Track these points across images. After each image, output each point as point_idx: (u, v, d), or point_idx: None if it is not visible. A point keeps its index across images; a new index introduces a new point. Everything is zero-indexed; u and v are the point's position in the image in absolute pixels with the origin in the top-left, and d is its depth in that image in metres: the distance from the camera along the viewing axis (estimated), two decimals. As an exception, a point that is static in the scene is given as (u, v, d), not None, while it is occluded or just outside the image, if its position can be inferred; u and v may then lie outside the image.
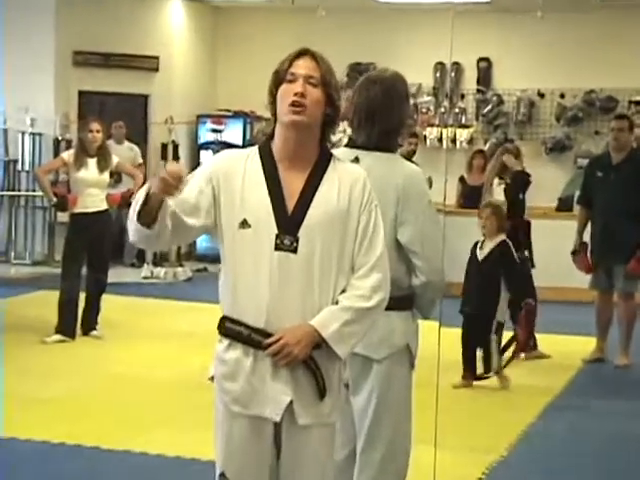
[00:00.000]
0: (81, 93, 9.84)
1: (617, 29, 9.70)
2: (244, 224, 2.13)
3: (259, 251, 2.13)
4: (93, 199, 6.20)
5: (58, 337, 6.16)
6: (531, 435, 4.48)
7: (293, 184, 2.15)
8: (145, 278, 9.09)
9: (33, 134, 9.50)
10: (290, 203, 2.14)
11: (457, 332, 5.24)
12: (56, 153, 8.91)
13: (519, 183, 6.27)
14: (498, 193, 6.32)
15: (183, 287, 8.86)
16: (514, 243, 5.55)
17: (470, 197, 8.06)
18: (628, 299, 6.03)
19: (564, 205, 8.90)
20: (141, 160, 9.48)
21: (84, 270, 6.33)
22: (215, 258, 2.28)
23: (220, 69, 10.98)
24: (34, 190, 9.17)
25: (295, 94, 2.12)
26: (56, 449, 4.05)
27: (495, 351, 5.22)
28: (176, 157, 10.21)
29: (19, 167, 9.60)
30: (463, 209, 8.28)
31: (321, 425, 2.17)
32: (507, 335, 5.54)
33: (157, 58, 10.21)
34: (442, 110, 10.30)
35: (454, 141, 10.09)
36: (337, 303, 2.15)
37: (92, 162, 6.23)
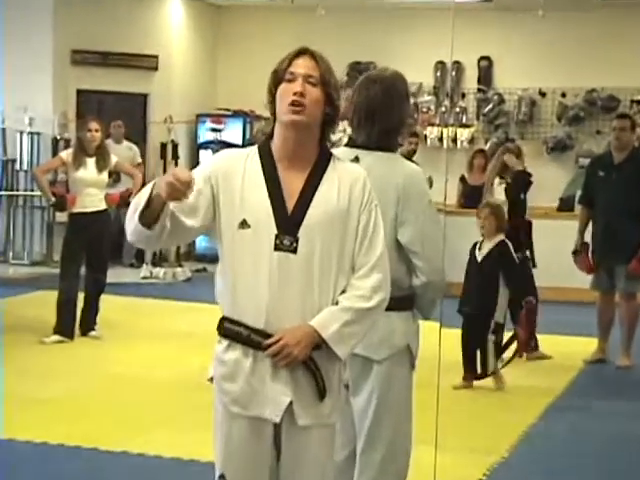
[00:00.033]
0: (79, 92, 9.82)
1: (619, 28, 9.69)
2: (243, 224, 2.12)
3: (259, 251, 2.12)
4: (92, 199, 6.18)
5: (57, 337, 6.15)
6: (532, 436, 4.47)
7: (293, 184, 2.15)
8: (144, 278, 9.08)
9: (31, 133, 9.49)
10: (290, 203, 2.13)
11: (458, 333, 5.24)
12: (54, 152, 8.88)
13: (520, 183, 6.26)
14: (499, 193, 6.32)
15: (182, 287, 8.86)
16: (515, 243, 5.55)
17: (471, 197, 8.04)
18: (630, 299, 6.02)
19: (565, 205, 8.90)
20: (140, 160, 9.46)
21: (83, 270, 6.32)
22: (214, 258, 2.26)
23: (220, 68, 10.97)
24: (32, 190, 9.18)
25: (294, 93, 2.11)
26: (55, 450, 4.04)
27: (491, 351, 5.20)
28: (175, 157, 10.21)
29: (17, 167, 9.59)
30: (464, 209, 8.26)
31: (321, 426, 2.17)
32: (508, 336, 5.54)
33: (156, 57, 10.19)
34: (443, 109, 10.29)
35: (455, 140, 10.08)
36: (337, 303, 2.14)
37: (91, 162, 6.21)
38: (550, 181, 9.14)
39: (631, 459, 4.27)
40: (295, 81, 2.12)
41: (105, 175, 6.28)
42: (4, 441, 4.12)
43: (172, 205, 2.06)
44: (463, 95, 10.27)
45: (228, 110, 10.45)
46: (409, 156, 6.91)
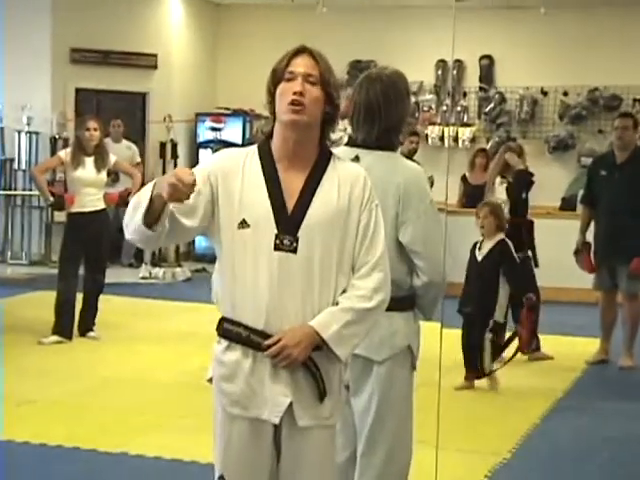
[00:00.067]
0: (78, 91, 9.80)
1: (621, 26, 9.68)
2: (243, 224, 2.11)
3: (258, 251, 2.11)
4: (90, 198, 6.16)
5: (55, 338, 6.13)
6: (534, 437, 4.44)
7: (293, 184, 2.14)
8: (143, 278, 9.07)
9: (30, 132, 9.48)
10: (290, 203, 2.13)
11: (459, 333, 5.25)
12: (53, 152, 8.90)
13: (521, 182, 6.26)
14: (500, 192, 6.32)
15: (182, 287, 8.85)
16: (517, 243, 5.55)
17: (472, 196, 8.01)
18: (632, 300, 6.00)
19: (568, 204, 8.89)
20: (139, 159, 9.44)
21: (81, 270, 6.30)
22: (214, 258, 2.25)
23: (219, 67, 10.97)
24: (31, 189, 9.19)
25: (294, 93, 2.10)
26: (53, 451, 4.02)
27: (488, 351, 5.17)
28: (175, 156, 10.19)
29: (15, 166, 9.59)
30: (465, 209, 8.23)
31: (321, 427, 2.16)
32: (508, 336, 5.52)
33: (155, 56, 10.19)
34: (444, 108, 10.27)
35: (456, 140, 10.07)
36: (337, 304, 2.13)
37: (89, 161, 6.19)
38: (552, 180, 9.13)
39: (634, 460, 4.23)
40: (294, 80, 2.11)
41: (104, 174, 6.26)
42: (2, 442, 4.10)
43: (171, 205, 2.06)
44: (464, 94, 10.25)
45: (228, 109, 10.44)
46: (410, 155, 6.89)
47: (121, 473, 3.85)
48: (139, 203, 2.06)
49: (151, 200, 2.03)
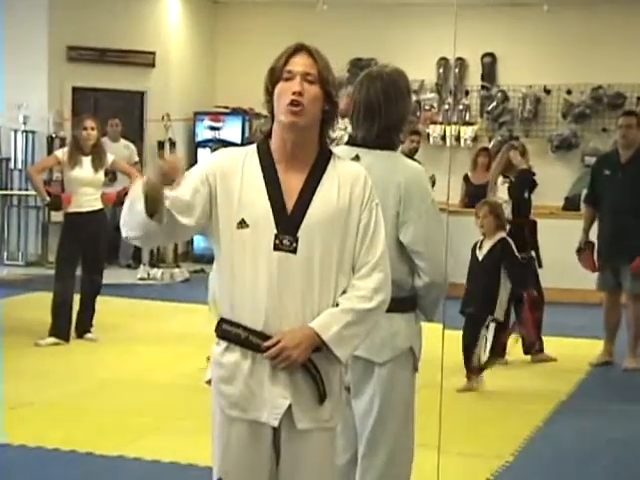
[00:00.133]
0: (75, 89, 9.80)
1: (625, 23, 9.68)
2: (242, 224, 2.10)
3: (258, 251, 2.10)
4: (88, 198, 6.14)
5: (52, 340, 6.10)
6: (537, 440, 4.41)
7: (292, 183, 2.13)
8: (141, 279, 9.06)
9: (26, 132, 9.47)
10: (289, 203, 2.12)
11: (461, 334, 5.23)
12: (49, 151, 8.88)
13: (524, 182, 6.25)
14: (502, 192, 6.29)
15: (180, 288, 8.83)
16: (520, 243, 5.53)
17: (474, 196, 7.96)
18: (637, 300, 5.97)
19: (571, 204, 8.86)
20: (137, 158, 9.41)
21: (78, 271, 6.28)
22: (212, 259, 2.24)
23: (218, 65, 10.96)
24: (27, 189, 9.17)
25: (293, 93, 2.09)
26: (50, 455, 4.00)
27: (481, 348, 5.12)
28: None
29: (12, 166, 9.59)
30: (467, 208, 8.16)
31: (321, 430, 2.14)
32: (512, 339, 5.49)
33: (153, 54, 10.17)
34: (446, 107, 10.25)
35: (458, 139, 10.05)
36: (337, 304, 2.12)
37: (87, 160, 6.17)
38: (555, 180, 9.11)
39: (638, 462, 4.21)
40: (293, 80, 2.10)
41: (101, 174, 6.24)
42: (-1, 446, 4.09)
43: (168, 203, 2.05)
44: (466, 92, 10.23)
45: (227, 108, 10.42)
46: (411, 154, 6.85)
47: (118, 477, 3.82)
48: (134, 198, 2.06)
49: (147, 193, 2.02)
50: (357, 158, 2.55)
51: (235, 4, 10.81)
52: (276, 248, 2.09)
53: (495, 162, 6.77)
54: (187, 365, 5.41)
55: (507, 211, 5.85)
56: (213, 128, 10.32)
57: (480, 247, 5.31)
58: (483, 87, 10.16)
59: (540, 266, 6.03)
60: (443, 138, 10.06)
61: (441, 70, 10.23)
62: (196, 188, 2.10)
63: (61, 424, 4.42)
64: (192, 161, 9.80)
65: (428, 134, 9.97)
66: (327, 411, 2.14)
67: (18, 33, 9.35)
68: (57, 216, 7.39)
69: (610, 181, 5.91)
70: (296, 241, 2.09)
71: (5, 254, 9.56)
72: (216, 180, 2.12)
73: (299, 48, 2.13)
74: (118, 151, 8.23)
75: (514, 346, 5.63)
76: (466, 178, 8.82)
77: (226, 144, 9.13)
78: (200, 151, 10.31)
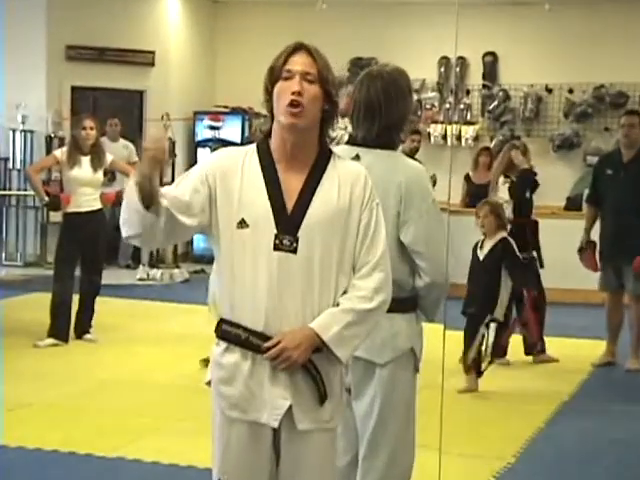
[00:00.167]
0: (74, 89, 9.79)
1: (627, 22, 9.67)
2: (242, 224, 2.10)
3: (257, 251, 2.10)
4: (87, 198, 6.13)
5: (51, 341, 6.08)
6: (539, 441, 4.39)
7: (292, 183, 2.13)
8: (141, 280, 9.04)
9: (24, 131, 9.46)
10: (289, 203, 2.12)
11: (462, 335, 5.19)
12: (48, 151, 8.87)
13: (525, 182, 6.24)
14: (503, 192, 6.26)
15: (179, 289, 8.82)
16: (521, 243, 5.52)
17: (476, 196, 7.94)
18: (639, 301, 5.90)
19: (573, 204, 8.84)
20: (136, 158, 9.35)
21: (77, 272, 6.26)
22: (212, 259, 2.23)
23: (218, 64, 10.95)
24: (25, 189, 9.17)
25: (292, 93, 2.08)
26: (49, 456, 3.98)
27: (476, 345, 5.08)
28: (173, 155, 10.10)
29: (10, 166, 9.56)
30: (468, 208, 8.13)
31: (321, 431, 2.14)
32: (514, 339, 5.47)
33: (153, 53, 10.16)
34: (447, 106, 10.23)
35: (459, 138, 10.03)
36: (338, 305, 2.11)
37: (85, 160, 6.16)
38: (557, 179, 9.09)
39: (642, 463, 4.25)
40: (292, 79, 2.09)
41: (100, 174, 6.22)
42: (-2, 448, 4.08)
43: (168, 203, 2.06)
44: (468, 91, 10.21)
45: (226, 107, 10.40)
46: (412, 154, 6.83)
47: (118, 478, 3.81)
48: (129, 191, 2.06)
49: (142, 188, 2.03)
50: (357, 158, 2.54)
51: (235, 3, 10.79)
52: (276, 248, 2.08)
53: (496, 162, 6.75)
54: (187, 366, 5.39)
55: (508, 211, 5.83)
56: (213, 127, 10.32)
57: (481, 247, 5.30)
58: (484, 86, 10.14)
59: (542, 266, 6.01)
60: (444, 137, 10.04)
61: (442, 69, 10.21)
62: (196, 188, 2.10)
63: (60, 425, 4.41)
64: (192, 161, 9.81)
65: (429, 133, 9.95)
66: (327, 412, 2.13)
67: (17, 32, 9.32)
68: (56, 216, 7.37)
69: (612, 181, 5.90)
70: (296, 241, 2.08)
71: (3, 255, 9.54)
72: (216, 180, 2.12)
73: (298, 47, 2.12)
74: (117, 151, 8.22)
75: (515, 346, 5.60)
76: (467, 178, 8.80)
77: (226, 144, 9.11)
78: (200, 151, 10.30)
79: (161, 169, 2.06)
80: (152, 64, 10.13)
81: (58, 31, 9.52)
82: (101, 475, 3.84)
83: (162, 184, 2.11)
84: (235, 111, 10.30)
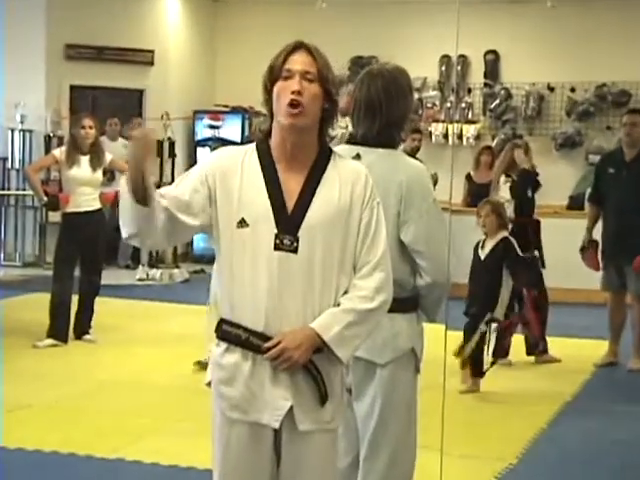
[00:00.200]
0: (73, 88, 9.78)
1: (629, 21, 9.67)
2: (242, 223, 2.10)
3: (258, 251, 2.10)
4: (86, 198, 6.11)
5: (50, 341, 6.07)
6: (541, 442, 4.38)
7: (292, 183, 2.13)
8: (140, 280, 9.03)
9: (23, 131, 9.46)
10: (290, 202, 2.11)
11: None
12: (47, 150, 8.87)
13: (526, 181, 6.23)
14: (504, 191, 6.25)
15: (179, 289, 8.81)
16: (523, 243, 5.51)
17: (477, 195, 7.92)
18: (642, 301, 5.92)
19: (575, 203, 8.84)
20: (136, 158, 9.32)
21: (77, 272, 6.24)
22: (212, 259, 2.23)
23: (218, 63, 10.94)
24: (24, 189, 9.17)
25: (292, 92, 2.08)
26: (48, 458, 3.97)
27: (473, 343, 5.06)
28: (172, 154, 10.11)
29: (9, 165, 9.56)
30: (470, 208, 8.11)
31: (322, 431, 2.14)
32: (516, 339, 5.44)
33: (152, 52, 10.16)
34: (448, 105, 10.22)
35: (460, 137, 10.02)
36: (339, 304, 2.11)
37: (85, 160, 6.14)
38: (559, 178, 9.07)
39: (643, 464, 4.23)
40: (292, 78, 2.09)
41: (99, 173, 6.21)
42: (-3, 450, 4.07)
43: (168, 203, 2.07)
44: (469, 90, 10.19)
45: (226, 106, 10.40)
46: (413, 153, 6.81)
47: (117, 480, 3.82)
48: (122, 188, 2.07)
49: (137, 184, 2.03)
50: (358, 157, 2.53)
51: (234, 2, 10.78)
52: (276, 248, 2.08)
53: (498, 161, 6.75)
54: (186, 366, 5.37)
55: (509, 210, 5.82)
56: (212, 127, 10.31)
57: (482, 246, 5.29)
58: (486, 85, 10.12)
59: (543, 266, 6.02)
60: (445, 136, 10.03)
61: (443, 68, 10.19)
62: (195, 188, 2.10)
63: (59, 426, 4.41)
64: (192, 160, 9.80)
65: (430, 132, 9.94)
66: (328, 412, 2.13)
67: (16, 32, 9.31)
68: (55, 216, 7.36)
69: (614, 180, 5.89)
70: (297, 241, 2.08)
71: (2, 255, 9.54)
72: (215, 180, 2.11)
73: (298, 46, 2.12)
74: (117, 150, 8.18)
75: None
76: (469, 177, 8.78)
77: (226, 143, 9.11)
78: (199, 150, 10.31)
79: (148, 162, 2.06)
80: (152, 63, 10.12)
81: (57, 30, 9.51)
82: (101, 476, 3.83)
83: (162, 184, 2.09)
84: (235, 110, 10.30)
